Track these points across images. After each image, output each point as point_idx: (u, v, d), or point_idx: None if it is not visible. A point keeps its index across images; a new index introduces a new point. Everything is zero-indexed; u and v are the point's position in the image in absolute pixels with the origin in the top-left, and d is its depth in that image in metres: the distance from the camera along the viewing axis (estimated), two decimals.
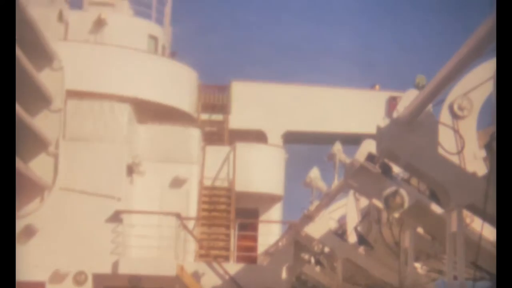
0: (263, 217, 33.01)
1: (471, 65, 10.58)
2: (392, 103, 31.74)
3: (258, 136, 33.31)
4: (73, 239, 26.78)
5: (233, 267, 27.43)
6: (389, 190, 15.10)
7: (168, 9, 35.90)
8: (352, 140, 19.85)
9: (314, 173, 21.92)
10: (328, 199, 21.36)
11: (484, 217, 11.71)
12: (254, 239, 31.54)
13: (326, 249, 24.95)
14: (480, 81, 13.02)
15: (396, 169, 15.60)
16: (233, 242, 29.69)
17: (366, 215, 20.68)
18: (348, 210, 22.10)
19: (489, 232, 12.75)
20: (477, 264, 12.40)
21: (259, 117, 33.67)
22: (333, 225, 23.88)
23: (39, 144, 27.07)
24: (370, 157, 15.86)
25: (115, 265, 25.78)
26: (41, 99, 27.23)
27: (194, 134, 30.84)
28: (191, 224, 29.05)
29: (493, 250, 13.26)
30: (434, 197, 14.11)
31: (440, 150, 12.15)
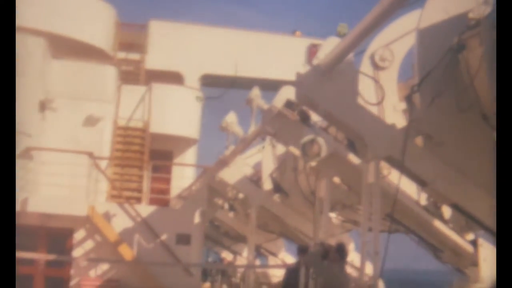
0: (177, 160, 32.66)
1: (393, 15, 10.44)
2: (312, 50, 31.55)
3: (175, 78, 32.75)
4: None
5: (145, 209, 27.08)
6: (307, 138, 15.01)
7: None
8: (271, 86, 19.60)
9: (231, 118, 21.69)
10: (244, 144, 21.19)
11: (402, 169, 11.68)
12: (168, 181, 31.19)
13: (241, 195, 24.86)
14: (402, 33, 12.93)
15: (314, 117, 15.49)
16: (146, 184, 29.28)
17: (283, 162, 20.59)
18: (264, 156, 21.98)
19: (405, 185, 12.77)
20: (393, 216, 12.41)
21: (176, 59, 33.09)
22: (248, 171, 23.71)
23: None
24: (289, 104, 15.72)
25: (24, 202, 25.11)
26: None
27: (110, 73, 30.14)
28: (103, 164, 28.48)
29: (410, 202, 13.34)
30: (352, 147, 14.04)
31: (360, 100, 12.01)
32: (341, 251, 13.66)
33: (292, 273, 18.33)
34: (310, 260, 14.63)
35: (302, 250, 18.77)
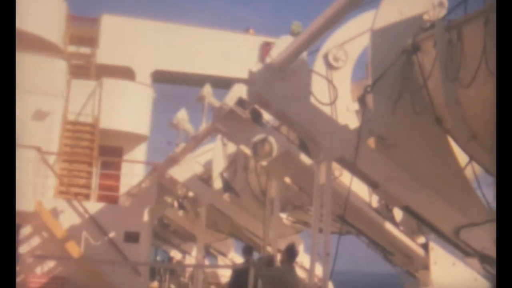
0: (127, 157, 32.33)
1: (348, 15, 10.35)
2: (265, 48, 31.49)
3: (127, 73, 32.43)
4: None
5: (93, 206, 26.79)
6: (258, 137, 14.89)
7: None
8: (223, 84, 19.43)
9: (182, 115, 21.47)
10: (195, 142, 20.98)
11: (353, 171, 11.59)
12: (117, 178, 30.88)
13: (190, 194, 24.68)
14: (356, 33, 12.86)
15: (266, 116, 15.37)
16: (94, 181, 28.97)
17: (233, 161, 20.45)
18: (214, 155, 21.80)
19: (357, 187, 12.67)
20: (344, 218, 12.30)
21: (128, 54, 32.78)
22: (198, 169, 23.52)
23: None
24: (241, 102, 15.58)
25: None
26: None
27: (60, 66, 29.70)
28: (52, 159, 28.09)
29: (361, 204, 13.24)
30: (303, 147, 13.91)
31: (313, 100, 11.88)
32: (289, 252, 13.52)
33: (238, 273, 18.25)
34: (255, 267, 14.57)
35: (246, 250, 18.71)
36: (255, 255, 18.59)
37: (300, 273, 19.83)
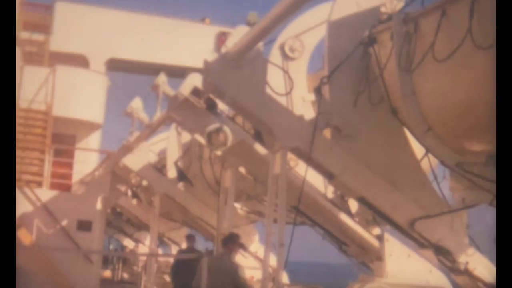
0: (80, 145, 31.99)
1: (304, 6, 10.33)
2: (221, 38, 31.32)
3: (80, 61, 32.08)
4: None
5: (46, 194, 26.46)
6: (213, 126, 14.84)
7: None
8: (178, 73, 19.30)
9: (136, 103, 21.33)
10: (149, 131, 20.88)
11: (309, 161, 11.58)
12: (70, 166, 30.55)
13: (144, 183, 24.53)
14: (313, 24, 12.82)
15: (221, 106, 15.32)
16: (47, 168, 28.63)
17: (188, 150, 20.36)
18: (169, 144, 21.70)
19: (313, 177, 12.67)
20: (298, 208, 12.29)
21: (82, 41, 32.41)
22: (153, 158, 23.40)
23: None
24: (195, 92, 15.52)
25: None
26: None
27: None
28: None
29: (316, 195, 13.25)
30: (259, 137, 13.88)
31: (268, 90, 11.84)
32: (226, 238, 13.51)
33: (181, 261, 18.29)
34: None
35: (189, 238, 18.78)
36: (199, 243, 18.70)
37: (254, 263, 19.91)
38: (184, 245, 29.86)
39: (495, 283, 11.45)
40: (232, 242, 13.49)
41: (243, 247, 12.98)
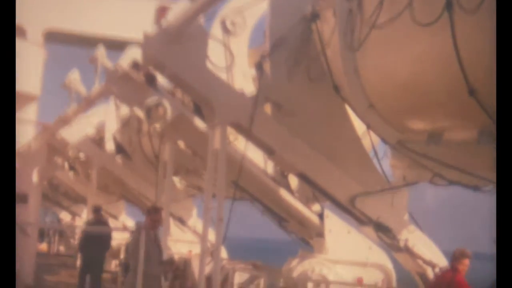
0: (16, 116, 31.49)
1: None
2: (162, 12, 30.95)
3: (17, 32, 31.45)
4: None
5: None
6: (152, 100, 14.72)
7: None
8: (118, 46, 19.02)
9: (74, 75, 21.02)
10: (87, 103, 20.55)
11: (249, 136, 11.53)
12: None
13: (82, 156, 24.24)
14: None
15: (161, 80, 15.17)
16: None
17: (126, 124, 20.14)
18: (107, 117, 21.44)
19: (252, 153, 12.63)
20: (238, 183, 12.24)
21: (18, 12, 31.79)
22: (91, 131, 23.09)
23: None
24: (135, 65, 15.35)
25: None
26: None
27: None
28: None
29: (256, 170, 13.21)
30: (198, 111, 13.78)
31: (209, 64, 11.74)
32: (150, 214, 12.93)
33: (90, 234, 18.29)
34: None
35: (95, 209, 18.71)
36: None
37: (193, 238, 19.89)
38: (122, 217, 29.97)
39: (435, 261, 11.63)
40: (147, 215, 12.98)
41: (156, 222, 12.43)
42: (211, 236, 12.49)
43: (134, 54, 15.20)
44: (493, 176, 8.72)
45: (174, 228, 19.32)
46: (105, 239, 18.35)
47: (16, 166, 25.46)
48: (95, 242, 17.93)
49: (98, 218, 19.21)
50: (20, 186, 26.02)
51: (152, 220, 12.78)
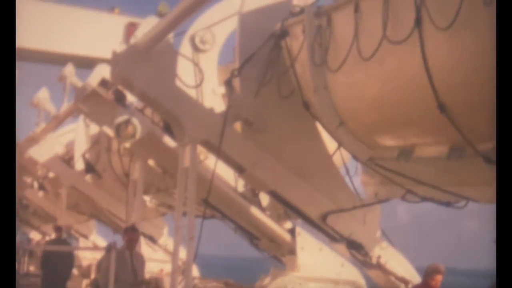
0: None
1: None
2: (130, 28, 30.84)
3: None
4: None
5: None
6: (121, 118, 14.66)
7: None
8: (86, 64, 18.92)
9: (43, 94, 20.88)
10: (56, 122, 20.44)
11: (219, 154, 11.46)
12: None
13: (51, 174, 24.03)
14: (224, 16, 12.69)
15: (130, 98, 15.11)
16: None
17: (96, 142, 20.01)
18: (77, 135, 21.26)
19: (223, 171, 12.56)
20: (208, 201, 12.16)
21: None
22: (60, 150, 22.89)
23: None
24: (104, 83, 15.30)
25: None
26: None
27: None
28: None
29: (226, 188, 13.12)
30: (168, 130, 13.69)
31: (178, 82, 11.68)
32: (127, 233, 13.16)
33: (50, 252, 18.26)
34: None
35: (57, 229, 19.91)
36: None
37: (164, 256, 19.77)
38: (92, 237, 29.77)
39: (408, 277, 11.61)
40: (123, 234, 13.21)
41: (133, 242, 12.63)
42: (182, 254, 12.40)
43: (103, 72, 15.12)
44: (464, 191, 8.74)
45: (145, 246, 19.18)
46: (67, 257, 18.34)
47: None
48: (57, 260, 17.89)
49: (59, 237, 19.09)
50: None
51: (129, 239, 12.82)
